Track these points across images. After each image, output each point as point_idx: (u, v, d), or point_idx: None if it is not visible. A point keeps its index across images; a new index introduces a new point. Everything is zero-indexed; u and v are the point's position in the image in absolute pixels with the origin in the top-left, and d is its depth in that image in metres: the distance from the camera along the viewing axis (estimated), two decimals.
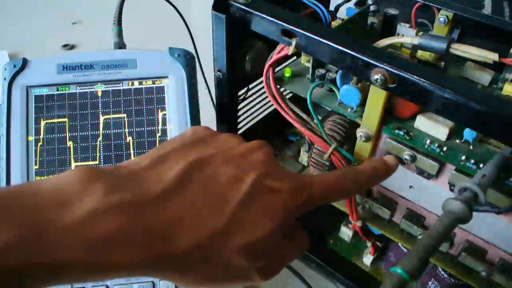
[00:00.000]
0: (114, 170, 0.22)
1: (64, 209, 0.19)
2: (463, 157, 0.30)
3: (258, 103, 0.49)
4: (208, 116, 0.48)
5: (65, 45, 0.88)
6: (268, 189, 0.23)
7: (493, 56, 0.30)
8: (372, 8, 0.40)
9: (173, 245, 0.20)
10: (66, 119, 0.41)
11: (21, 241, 0.17)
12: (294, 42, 0.32)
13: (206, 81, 0.58)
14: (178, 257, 0.20)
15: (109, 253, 0.19)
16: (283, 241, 0.24)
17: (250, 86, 0.45)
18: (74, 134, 0.41)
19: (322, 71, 0.37)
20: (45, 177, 0.40)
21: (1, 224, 0.18)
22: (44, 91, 0.41)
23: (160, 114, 0.41)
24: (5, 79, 0.41)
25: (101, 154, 0.41)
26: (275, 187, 0.23)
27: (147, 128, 0.41)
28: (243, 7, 0.34)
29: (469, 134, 0.30)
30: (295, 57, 0.43)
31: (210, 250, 0.21)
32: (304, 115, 0.35)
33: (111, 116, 0.41)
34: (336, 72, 0.35)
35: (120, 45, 0.46)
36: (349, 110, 0.35)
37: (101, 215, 0.19)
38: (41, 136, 0.40)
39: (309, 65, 0.38)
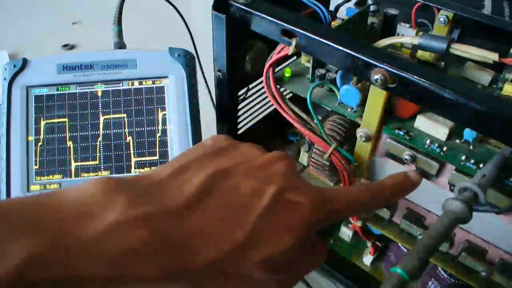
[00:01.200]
0: (135, 180, 0.22)
1: (86, 222, 0.19)
2: (463, 157, 0.30)
3: (258, 103, 0.49)
4: (208, 116, 0.48)
5: (65, 45, 0.88)
6: (289, 202, 0.23)
7: (493, 56, 0.30)
8: (372, 8, 0.40)
9: (194, 257, 0.20)
10: (66, 119, 0.41)
11: (44, 254, 0.17)
12: (294, 42, 0.32)
13: (206, 81, 0.58)
14: (198, 269, 0.20)
15: (131, 266, 0.19)
16: (302, 254, 0.24)
17: (250, 86, 0.45)
18: (74, 134, 0.41)
19: (322, 71, 0.37)
20: (45, 177, 0.40)
21: (24, 236, 0.17)
22: (44, 91, 0.41)
23: (160, 114, 0.41)
24: (5, 79, 0.41)
25: (101, 154, 0.41)
26: (296, 201, 0.23)
27: (147, 128, 0.41)
28: (243, 7, 0.34)
29: (469, 134, 0.30)
30: (295, 57, 0.43)
31: (230, 263, 0.21)
32: (304, 115, 0.35)
33: (111, 116, 0.41)
34: (336, 72, 0.35)
35: (120, 45, 0.46)
36: (349, 110, 0.35)
37: (124, 228, 0.19)
38: (41, 136, 0.40)
39: (309, 65, 0.38)
